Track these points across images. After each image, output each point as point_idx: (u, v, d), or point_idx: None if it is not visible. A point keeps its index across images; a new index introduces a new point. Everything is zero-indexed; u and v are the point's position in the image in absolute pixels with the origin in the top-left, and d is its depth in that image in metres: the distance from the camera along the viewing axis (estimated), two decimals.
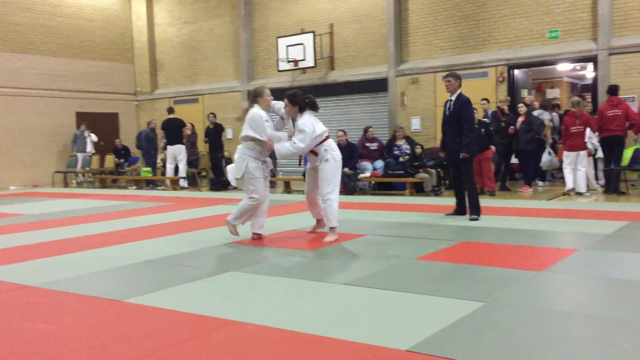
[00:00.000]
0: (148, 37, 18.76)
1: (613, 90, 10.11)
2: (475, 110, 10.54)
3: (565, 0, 12.23)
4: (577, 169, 9.94)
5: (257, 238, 6.12)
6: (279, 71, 15.81)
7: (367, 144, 12.09)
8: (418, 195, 10.79)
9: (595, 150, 10.02)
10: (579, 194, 9.81)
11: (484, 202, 9.22)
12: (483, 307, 3.47)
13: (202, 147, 15.25)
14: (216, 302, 3.82)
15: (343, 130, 11.64)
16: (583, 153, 9.91)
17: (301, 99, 6.02)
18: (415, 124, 14.12)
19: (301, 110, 6.01)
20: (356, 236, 6.20)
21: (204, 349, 2.93)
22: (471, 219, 7.09)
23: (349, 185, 11.17)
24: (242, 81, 16.84)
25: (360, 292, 3.96)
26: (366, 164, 11.81)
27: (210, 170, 14.80)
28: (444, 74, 13.46)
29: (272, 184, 13.76)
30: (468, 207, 7.31)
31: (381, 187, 11.78)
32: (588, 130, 9.82)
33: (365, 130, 12.31)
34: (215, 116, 14.29)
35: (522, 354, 2.71)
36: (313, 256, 5.25)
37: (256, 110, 6.01)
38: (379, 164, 11.85)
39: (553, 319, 3.25)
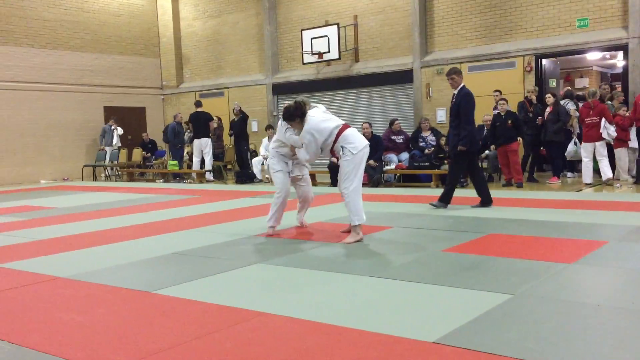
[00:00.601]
0: (174, 32, 18.92)
1: None
2: (496, 103, 10.50)
3: None
4: (600, 159, 9.87)
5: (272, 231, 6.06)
6: (304, 64, 15.81)
7: (393, 137, 12.04)
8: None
9: (614, 140, 9.83)
10: (605, 183, 9.71)
11: (512, 193, 9.13)
12: (511, 299, 3.45)
13: (228, 140, 15.36)
14: (243, 294, 3.86)
15: (368, 123, 11.61)
16: (599, 144, 9.82)
17: (293, 109, 5.53)
18: (441, 115, 13.99)
19: (302, 117, 5.53)
20: (382, 228, 6.20)
21: (231, 340, 2.97)
22: (431, 205, 7.52)
23: (374, 178, 11.15)
24: (267, 74, 16.89)
25: (386, 284, 3.97)
26: (391, 156, 11.76)
27: (236, 163, 14.90)
28: (439, 67, 13.52)
29: None
30: (480, 197, 7.56)
31: (406, 179, 11.73)
32: (604, 120, 9.69)
33: (391, 123, 12.25)
34: (240, 106, 14.38)
35: (550, 346, 2.69)
36: (339, 248, 5.26)
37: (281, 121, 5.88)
38: (404, 155, 11.79)
39: (581, 311, 3.21)
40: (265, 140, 13.96)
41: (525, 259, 4.48)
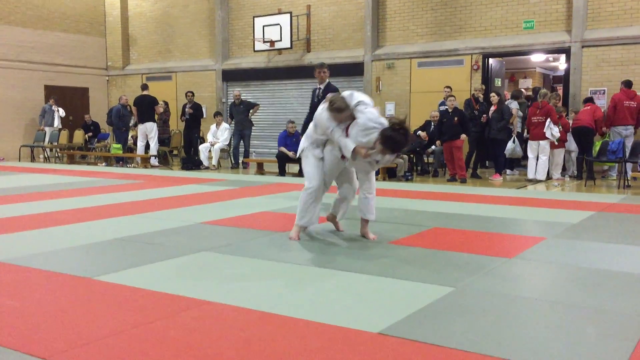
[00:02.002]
0: (121, 11, 18.35)
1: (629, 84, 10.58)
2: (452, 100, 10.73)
3: None
4: (540, 157, 10.40)
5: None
6: (255, 51, 15.66)
7: None
8: (390, 180, 10.86)
9: (558, 140, 10.28)
10: (539, 181, 10.25)
11: (456, 189, 9.34)
12: (453, 292, 3.53)
13: (175, 125, 15.07)
14: (188, 282, 3.80)
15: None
16: (544, 142, 10.27)
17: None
18: (390, 109, 14.15)
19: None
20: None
21: (174, 328, 2.92)
22: None
23: None
24: (217, 60, 16.64)
25: (332, 275, 3.98)
26: None
27: (182, 149, 14.65)
28: (389, 61, 13.71)
29: (245, 165, 13.70)
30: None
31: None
32: (548, 120, 10.14)
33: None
34: (193, 94, 14.13)
35: (490, 338, 2.77)
36: (285, 238, 5.25)
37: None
38: None
39: (520, 305, 3.32)
40: (213, 127, 13.77)
41: (468, 253, 4.59)
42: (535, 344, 2.71)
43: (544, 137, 10.24)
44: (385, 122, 4.49)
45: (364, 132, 4.51)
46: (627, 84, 10.52)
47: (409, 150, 11.50)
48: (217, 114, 14.00)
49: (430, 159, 12.16)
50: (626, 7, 11.56)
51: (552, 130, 10.17)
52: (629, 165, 10.05)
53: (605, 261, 4.36)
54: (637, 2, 11.45)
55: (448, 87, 12.09)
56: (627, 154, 9.88)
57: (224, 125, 13.77)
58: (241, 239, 5.19)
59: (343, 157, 4.84)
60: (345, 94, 4.71)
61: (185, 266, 4.23)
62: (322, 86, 7.51)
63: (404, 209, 6.96)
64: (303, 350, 2.64)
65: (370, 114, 4.53)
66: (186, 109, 13.76)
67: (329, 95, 4.93)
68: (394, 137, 4.33)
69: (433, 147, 11.72)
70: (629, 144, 10.13)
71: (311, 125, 5.03)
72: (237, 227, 5.78)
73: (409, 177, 10.97)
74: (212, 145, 13.48)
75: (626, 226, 5.88)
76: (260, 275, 4.03)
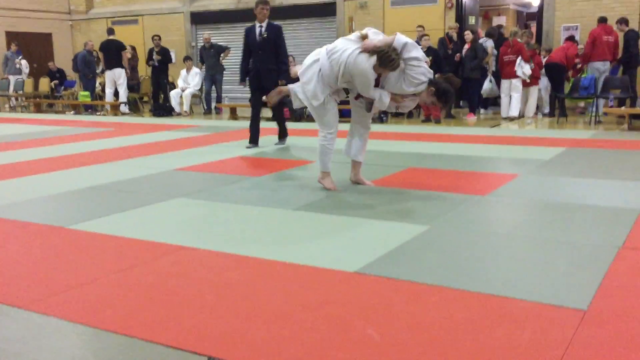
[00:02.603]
0: None
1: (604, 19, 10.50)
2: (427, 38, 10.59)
3: None
4: (512, 95, 10.47)
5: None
6: None
7: None
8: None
9: (530, 78, 10.32)
10: (513, 119, 10.34)
11: (431, 129, 9.36)
12: (428, 230, 3.57)
13: (143, 71, 14.70)
14: (164, 228, 3.78)
15: (292, 56, 11.41)
16: (515, 80, 10.33)
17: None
18: None
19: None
20: (305, 163, 6.21)
21: (152, 274, 2.92)
22: (280, 144, 7.57)
23: (296, 112, 11.08)
24: (185, 2, 16.12)
25: (309, 217, 4.00)
26: None
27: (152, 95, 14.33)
28: (362, 1, 13.43)
29: (218, 110, 13.50)
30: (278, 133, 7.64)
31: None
32: (519, 58, 10.17)
33: None
34: (160, 38, 13.70)
35: (463, 273, 2.83)
36: (261, 182, 5.24)
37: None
38: None
39: (493, 240, 3.38)
40: (183, 72, 13.46)
41: (442, 192, 4.63)
42: (507, 277, 2.77)
43: (515, 75, 10.27)
44: (431, 75, 4.45)
45: (414, 82, 4.36)
46: (602, 19, 10.47)
47: None
48: (187, 58, 13.66)
49: None
50: None
51: (523, 69, 10.21)
52: (600, 101, 10.14)
53: (576, 195, 4.44)
54: None
55: (420, 26, 11.91)
56: (599, 90, 9.95)
57: (195, 70, 13.47)
58: (215, 184, 5.16)
59: (356, 97, 4.78)
60: (400, 43, 4.25)
61: (160, 213, 4.20)
62: (264, 24, 7.10)
63: (378, 151, 6.96)
64: (281, 291, 2.67)
65: (424, 69, 4.38)
66: (153, 54, 13.37)
67: (377, 44, 4.28)
68: (449, 90, 4.41)
69: None
70: (603, 79, 10.17)
71: (323, 72, 4.49)
72: (211, 172, 5.73)
73: (384, 119, 10.94)
74: (183, 90, 13.22)
75: (596, 161, 5.98)
76: (236, 219, 4.02)
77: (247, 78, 7.46)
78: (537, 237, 3.41)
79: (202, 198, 4.60)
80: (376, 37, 4.44)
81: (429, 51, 10.42)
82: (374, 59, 4.26)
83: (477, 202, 4.31)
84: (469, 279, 2.74)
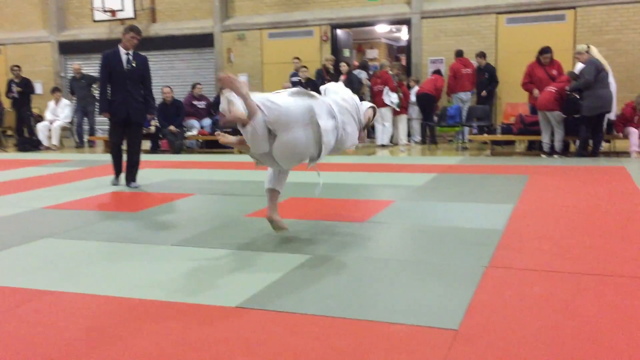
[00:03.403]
0: None
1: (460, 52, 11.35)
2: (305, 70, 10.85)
3: None
4: (383, 124, 11.03)
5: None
6: (95, 21, 14.66)
7: (195, 102, 11.78)
8: (247, 152, 10.79)
9: (399, 106, 10.98)
10: (384, 146, 10.99)
11: None
12: (309, 259, 3.60)
13: (7, 103, 13.70)
14: (29, 272, 3.50)
15: (169, 87, 11.21)
16: (384, 110, 10.88)
17: None
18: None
19: None
20: (185, 195, 6.06)
21: (12, 322, 2.68)
22: (133, 186, 6.66)
23: (176, 144, 10.85)
24: (52, 31, 15.36)
25: (189, 252, 3.89)
26: (193, 122, 11.52)
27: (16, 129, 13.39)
28: (240, 32, 13.62)
29: (91, 143, 12.88)
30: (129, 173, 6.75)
31: (209, 145, 11.61)
32: (386, 88, 10.80)
33: (193, 87, 11.96)
34: (20, 69, 12.88)
35: (343, 301, 2.87)
36: (138, 218, 5.03)
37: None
38: (207, 121, 11.64)
39: (371, 266, 3.47)
40: (51, 103, 12.75)
41: (322, 220, 4.70)
42: (385, 302, 2.85)
43: (384, 104, 10.84)
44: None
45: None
46: (459, 53, 11.33)
47: None
48: (55, 89, 12.97)
49: None
50: None
51: (390, 97, 10.85)
52: (466, 129, 10.88)
53: (445, 219, 4.70)
54: None
55: (297, 58, 12.21)
56: (464, 118, 10.68)
57: (64, 101, 12.80)
58: (88, 222, 4.88)
59: None
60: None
61: (24, 256, 3.89)
62: (131, 53, 6.53)
63: (260, 181, 6.94)
64: (161, 331, 2.56)
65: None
66: (12, 86, 12.52)
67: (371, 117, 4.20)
68: None
69: None
70: (467, 108, 10.95)
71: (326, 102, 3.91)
72: (84, 210, 5.43)
73: None
74: (52, 123, 12.50)
75: (463, 185, 6.38)
76: (109, 258, 3.82)
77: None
78: (412, 261, 3.55)
79: (71, 237, 4.33)
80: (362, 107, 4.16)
81: (307, 82, 10.69)
82: None
83: (357, 228, 4.42)
84: (349, 307, 2.79)
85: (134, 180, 6.73)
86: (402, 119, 11.28)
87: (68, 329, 2.61)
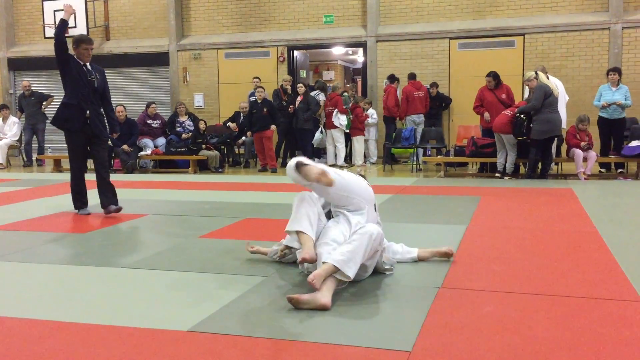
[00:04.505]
0: None
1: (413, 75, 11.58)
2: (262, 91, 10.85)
3: None
4: (336, 145, 11.21)
5: None
6: (46, 38, 14.35)
7: (149, 121, 11.61)
8: (202, 172, 10.70)
9: (349, 127, 11.20)
10: (342, 167, 10.98)
11: (267, 178, 9.49)
12: (264, 281, 3.56)
13: None
14: None
15: (122, 106, 11.01)
16: (335, 131, 11.09)
17: None
18: (199, 100, 13.93)
19: None
20: (137, 216, 5.93)
21: None
22: (115, 210, 5.95)
23: (129, 164, 10.64)
24: (1, 47, 14.95)
25: (141, 274, 3.79)
26: (147, 141, 11.34)
27: None
28: (196, 52, 13.61)
29: (40, 162, 12.53)
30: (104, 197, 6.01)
31: (163, 165, 11.44)
32: (336, 110, 11.00)
33: (147, 106, 11.80)
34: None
35: (297, 322, 2.83)
36: (87, 238, 4.89)
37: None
38: (161, 141, 11.48)
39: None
40: None
41: (277, 241, 4.66)
42: (338, 324, 2.82)
43: (334, 126, 11.02)
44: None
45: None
46: (412, 76, 11.58)
47: (219, 142, 11.43)
48: (3, 107, 12.58)
49: (241, 150, 12.21)
50: (412, 5, 12.66)
51: (340, 119, 11.03)
52: (420, 150, 11.06)
53: (401, 239, 4.71)
54: (422, 1, 12.60)
55: (256, 77, 12.23)
56: (418, 140, 10.86)
57: (12, 119, 12.44)
58: (34, 244, 4.71)
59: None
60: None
61: None
62: (88, 65, 5.93)
63: (215, 202, 6.88)
64: (105, 357, 2.46)
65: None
66: None
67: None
68: None
69: (243, 137, 11.77)
70: (420, 130, 11.14)
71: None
72: (30, 231, 5.24)
73: (221, 170, 10.90)
74: None
75: (417, 206, 6.46)
76: (57, 282, 3.69)
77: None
78: (365, 281, 3.54)
79: (16, 260, 4.17)
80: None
81: (264, 102, 10.69)
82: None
83: None
84: (303, 329, 2.75)
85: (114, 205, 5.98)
86: (359, 139, 11.40)
87: (8, 356, 2.49)
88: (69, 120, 5.91)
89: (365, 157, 11.85)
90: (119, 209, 5.98)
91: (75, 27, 13.85)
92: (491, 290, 3.33)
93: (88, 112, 5.87)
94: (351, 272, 3.16)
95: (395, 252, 3.95)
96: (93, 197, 6.09)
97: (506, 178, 8.92)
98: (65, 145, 6.04)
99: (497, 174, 9.13)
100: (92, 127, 5.92)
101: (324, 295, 3.03)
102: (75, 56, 5.90)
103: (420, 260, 3.95)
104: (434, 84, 11.94)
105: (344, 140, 11.29)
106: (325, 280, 3.10)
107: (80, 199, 6.11)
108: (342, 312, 3.01)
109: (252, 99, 11.40)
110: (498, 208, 6.27)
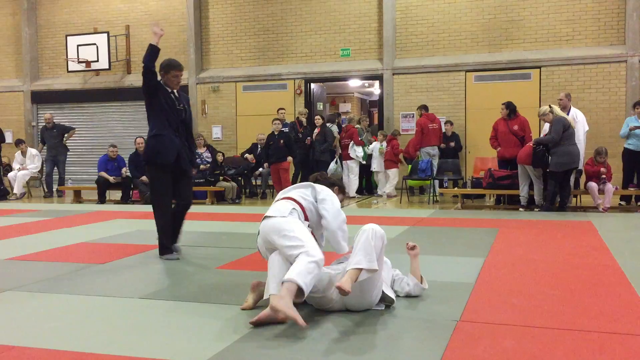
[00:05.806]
0: None
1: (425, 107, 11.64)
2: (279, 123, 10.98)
3: (355, 21, 13.20)
4: (349, 176, 11.37)
5: None
6: (69, 72, 14.70)
7: None
8: (219, 204, 10.76)
9: (365, 158, 11.36)
10: (352, 197, 11.22)
11: None
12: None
13: None
14: None
15: (142, 137, 11.17)
16: (350, 162, 11.29)
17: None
18: (217, 132, 14.10)
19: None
20: (155, 247, 5.96)
21: None
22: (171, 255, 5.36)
23: (147, 194, 10.74)
24: (25, 80, 15.33)
25: (157, 305, 3.81)
26: None
27: None
28: (214, 85, 13.82)
29: (60, 193, 12.70)
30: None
31: None
32: (352, 142, 11.15)
33: None
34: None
35: (312, 352, 2.81)
36: (107, 270, 4.92)
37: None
38: None
39: (347, 319, 3.43)
40: (17, 154, 12.62)
41: None
42: (359, 357, 2.81)
43: (350, 157, 11.14)
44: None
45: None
46: (425, 107, 11.58)
47: (236, 174, 11.52)
48: (19, 141, 12.83)
49: (258, 181, 12.28)
50: (428, 39, 12.79)
51: (357, 151, 11.16)
52: (436, 182, 11.04)
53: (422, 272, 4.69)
54: (438, 35, 12.73)
55: (282, 108, 12.24)
56: (435, 172, 10.85)
57: (32, 151, 12.68)
58: (55, 274, 4.76)
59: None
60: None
61: None
62: (175, 93, 5.47)
63: (231, 233, 6.91)
64: None
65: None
66: None
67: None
68: (341, 183, 4.34)
69: (260, 169, 11.86)
70: (436, 163, 11.13)
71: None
72: (51, 261, 5.30)
73: (238, 201, 10.96)
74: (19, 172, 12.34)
75: (434, 238, 6.42)
76: (76, 312, 3.71)
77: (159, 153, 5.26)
78: (386, 314, 3.51)
79: (36, 290, 4.21)
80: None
81: (280, 134, 10.79)
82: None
83: None
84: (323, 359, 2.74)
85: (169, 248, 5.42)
86: (393, 172, 11.50)
87: None
88: (161, 152, 5.23)
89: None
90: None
91: (97, 60, 14.22)
92: (510, 324, 3.29)
93: (178, 145, 5.27)
94: (374, 264, 3.32)
95: (404, 286, 3.93)
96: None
97: (536, 210, 8.79)
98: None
99: (520, 209, 8.99)
100: (181, 161, 5.31)
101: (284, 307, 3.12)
102: (162, 83, 5.41)
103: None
104: (449, 122, 11.90)
105: (357, 172, 11.38)
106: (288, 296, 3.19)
107: (172, 237, 5.44)
108: (360, 346, 2.99)
109: (285, 129, 11.37)
110: (516, 240, 6.22)
